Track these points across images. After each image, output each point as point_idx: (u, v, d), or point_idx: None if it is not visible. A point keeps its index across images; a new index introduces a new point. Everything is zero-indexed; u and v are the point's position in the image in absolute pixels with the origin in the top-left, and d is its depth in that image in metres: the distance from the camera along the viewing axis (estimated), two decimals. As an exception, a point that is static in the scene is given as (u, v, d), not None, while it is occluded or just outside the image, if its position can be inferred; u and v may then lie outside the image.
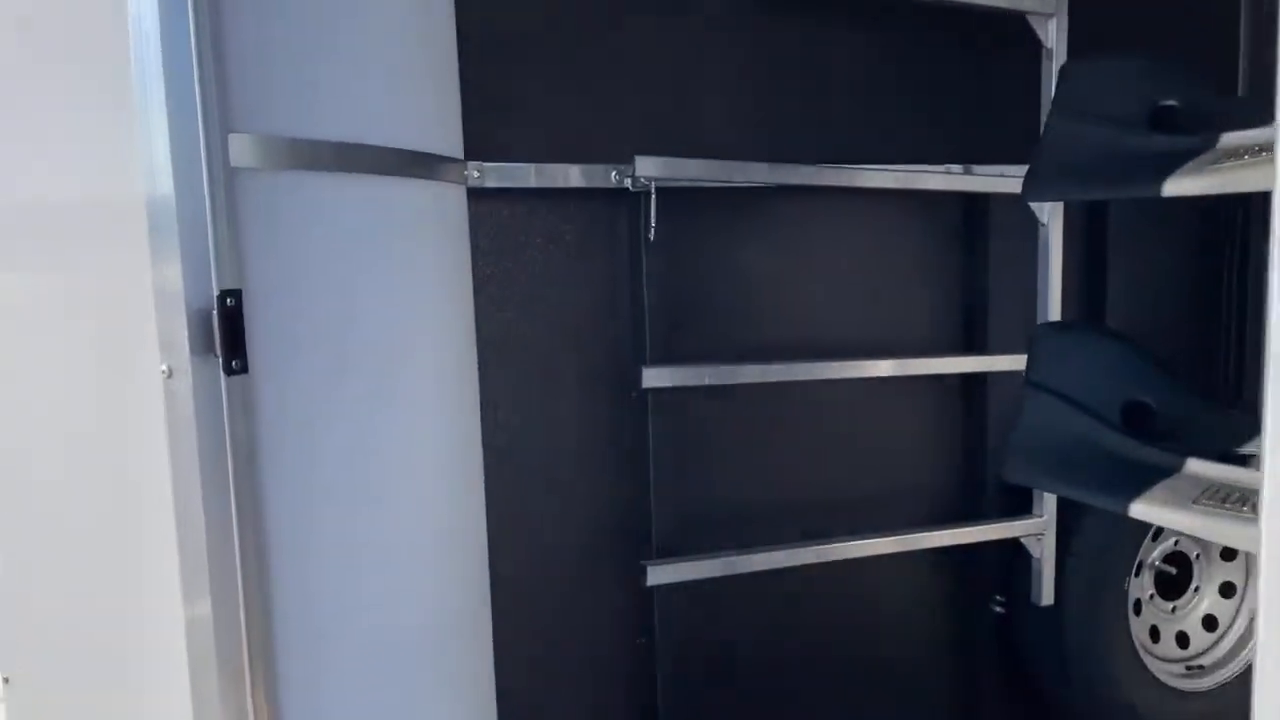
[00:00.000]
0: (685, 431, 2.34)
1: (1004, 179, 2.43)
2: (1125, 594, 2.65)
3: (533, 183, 2.07)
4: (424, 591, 1.82)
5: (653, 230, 2.09)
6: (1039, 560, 2.58)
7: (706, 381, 2.18)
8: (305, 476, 1.52)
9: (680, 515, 2.34)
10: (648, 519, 2.25)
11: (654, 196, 2.08)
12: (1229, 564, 2.85)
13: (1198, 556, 2.85)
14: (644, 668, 2.30)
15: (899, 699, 2.73)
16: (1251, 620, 2.84)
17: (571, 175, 2.10)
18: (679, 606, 2.31)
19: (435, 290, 1.86)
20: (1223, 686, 2.77)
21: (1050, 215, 2.46)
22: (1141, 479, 1.39)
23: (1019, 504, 2.74)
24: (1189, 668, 2.82)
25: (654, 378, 2.13)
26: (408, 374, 1.76)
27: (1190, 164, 1.39)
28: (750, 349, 2.41)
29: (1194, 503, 1.32)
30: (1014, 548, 2.70)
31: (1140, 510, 1.37)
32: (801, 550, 2.28)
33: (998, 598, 2.75)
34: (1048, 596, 2.58)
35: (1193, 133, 1.47)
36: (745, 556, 2.23)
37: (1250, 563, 2.84)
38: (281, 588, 1.48)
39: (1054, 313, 2.50)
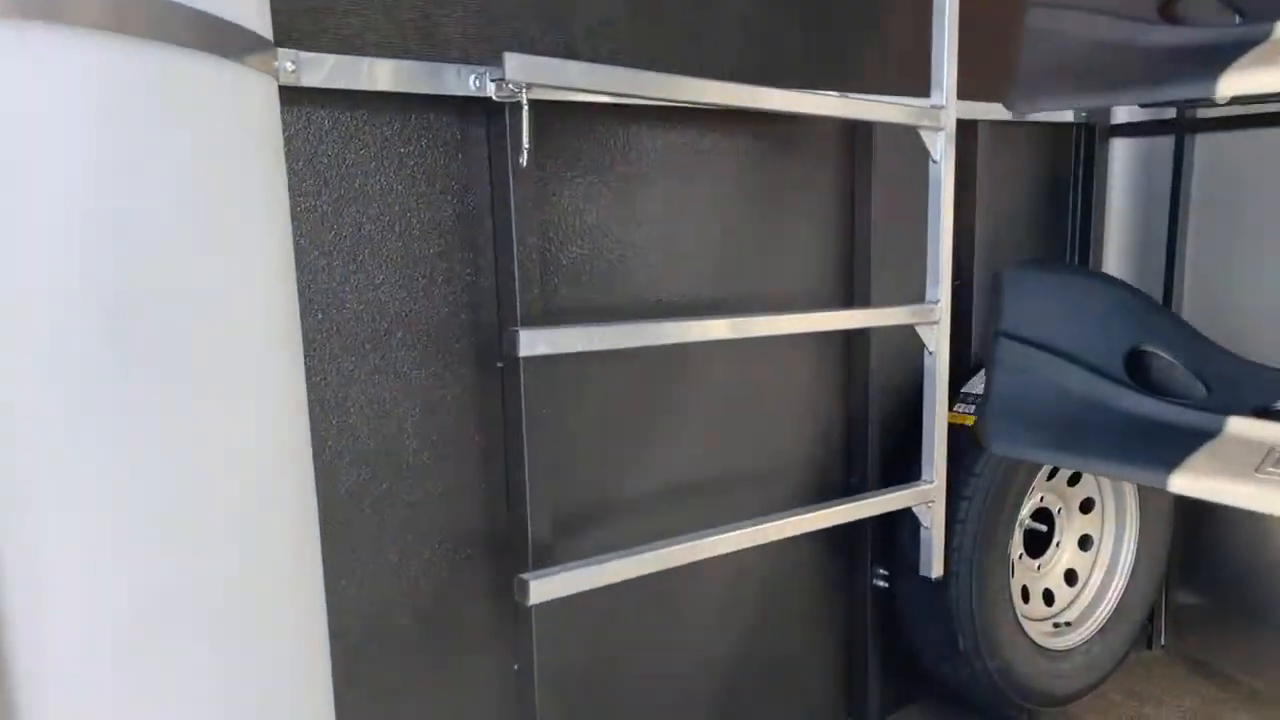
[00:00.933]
0: (565, 409, 1.91)
1: (918, 109, 2.18)
2: (1009, 558, 2.52)
3: (365, 84, 1.56)
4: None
5: (525, 153, 1.63)
6: (929, 530, 2.38)
7: (598, 346, 1.75)
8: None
9: (560, 513, 1.92)
10: (521, 520, 1.80)
11: (527, 109, 1.61)
12: (1086, 516, 2.81)
13: (1060, 511, 2.78)
14: (521, 698, 1.87)
15: (784, 690, 2.47)
16: (1106, 574, 2.82)
17: (418, 76, 1.60)
18: (560, 621, 1.89)
19: (237, 224, 1.31)
20: (1087, 643, 2.72)
21: (944, 152, 2.23)
22: (1174, 444, 1.16)
23: (902, 470, 2.54)
24: (1055, 625, 2.76)
25: (531, 343, 1.68)
26: (201, 339, 1.22)
27: (1251, 54, 1.15)
28: (634, 306, 2.01)
29: (1257, 472, 1.10)
30: (895, 517, 2.51)
31: (1186, 483, 1.14)
32: (698, 543, 1.92)
33: (880, 571, 2.54)
34: (937, 568, 2.40)
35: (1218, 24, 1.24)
36: (635, 558, 1.84)
37: (1105, 514, 2.82)
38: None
39: (945, 259, 2.28)
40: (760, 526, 2.04)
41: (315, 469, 1.54)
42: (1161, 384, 1.34)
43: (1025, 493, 2.52)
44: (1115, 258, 2.98)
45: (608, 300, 1.96)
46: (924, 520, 2.38)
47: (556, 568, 1.76)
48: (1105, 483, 2.78)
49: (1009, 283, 1.63)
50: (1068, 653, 2.68)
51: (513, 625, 1.86)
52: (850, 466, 2.49)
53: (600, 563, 1.79)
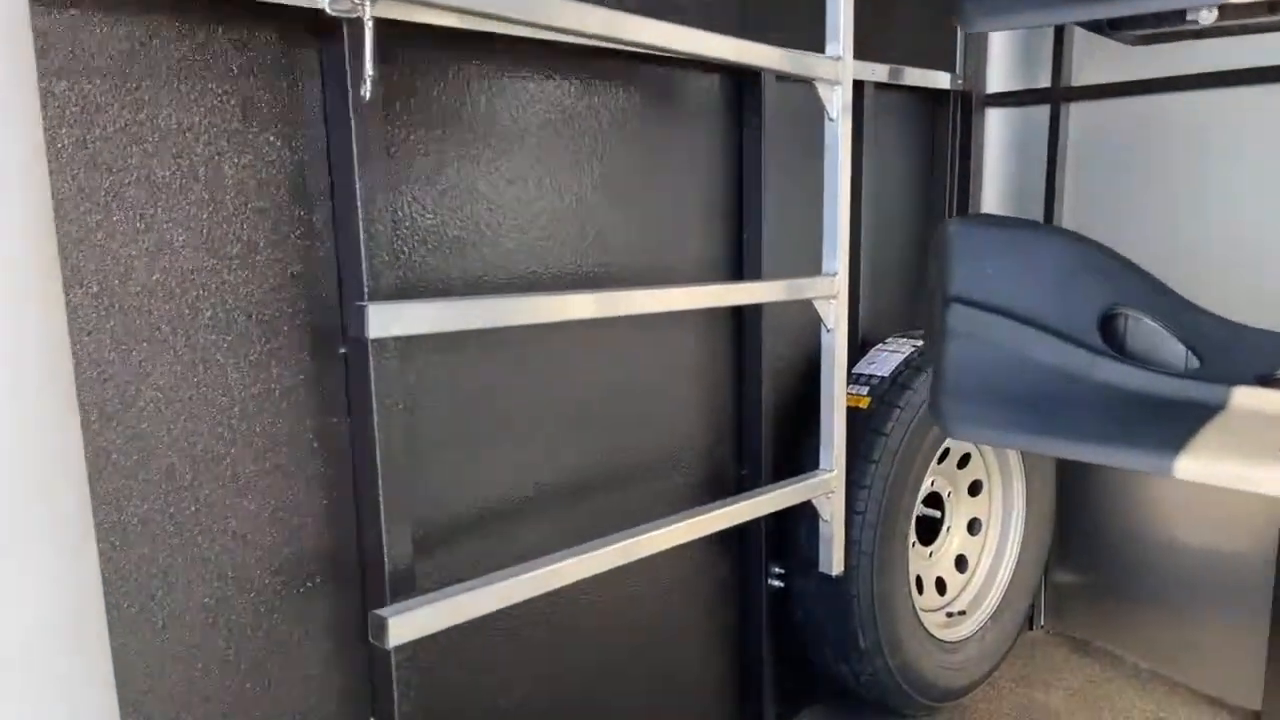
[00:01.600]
0: (424, 404, 1.58)
1: (814, 59, 1.96)
2: (908, 548, 2.36)
3: (154, -17, 1.18)
4: None
5: (368, 83, 1.28)
6: (829, 523, 2.18)
7: (462, 325, 1.43)
8: None
9: (423, 530, 1.59)
10: (374, 541, 1.47)
11: (370, 26, 1.27)
12: (975, 499, 2.71)
13: (949, 494, 2.66)
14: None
15: (675, 706, 2.22)
16: (995, 558, 2.72)
17: (225, -23, 1.24)
18: (425, 657, 1.57)
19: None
20: (981, 630, 2.61)
21: (841, 109, 2.02)
22: (1174, 422, 0.98)
23: (795, 459, 2.33)
24: (949, 614, 2.63)
25: (383, 321, 1.34)
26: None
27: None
28: (505, 279, 1.70)
29: (1280, 451, 0.94)
30: (790, 510, 2.30)
31: (1196, 468, 0.96)
32: (588, 557, 1.64)
33: (775, 570, 2.33)
34: (838, 564, 2.21)
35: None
36: (512, 581, 1.53)
37: (993, 496, 2.72)
38: None
39: (843, 227, 2.08)
40: (653, 534, 1.78)
41: (93, 493, 1.17)
42: (1143, 352, 1.18)
43: (923, 478, 2.37)
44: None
45: (474, 272, 1.64)
46: (823, 513, 2.18)
47: (420, 599, 1.44)
48: (993, 463, 2.69)
49: (957, 238, 1.42)
50: (962, 643, 2.56)
51: (368, 671, 1.52)
52: (742, 457, 2.26)
53: (472, 590, 1.47)
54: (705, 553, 2.25)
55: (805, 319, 2.41)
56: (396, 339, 1.42)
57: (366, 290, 1.38)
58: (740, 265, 2.19)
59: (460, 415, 1.65)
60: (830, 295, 2.10)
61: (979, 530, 2.72)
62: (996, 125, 2.88)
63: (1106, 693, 2.66)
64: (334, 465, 1.48)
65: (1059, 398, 1.16)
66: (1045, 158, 2.75)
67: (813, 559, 2.25)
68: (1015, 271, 1.25)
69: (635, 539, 1.73)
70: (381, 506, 1.45)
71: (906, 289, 2.81)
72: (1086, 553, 2.88)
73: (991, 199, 2.91)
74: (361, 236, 1.38)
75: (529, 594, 1.54)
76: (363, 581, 1.51)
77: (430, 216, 1.57)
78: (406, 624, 1.39)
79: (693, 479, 2.17)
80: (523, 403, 1.77)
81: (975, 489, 2.70)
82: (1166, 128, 2.53)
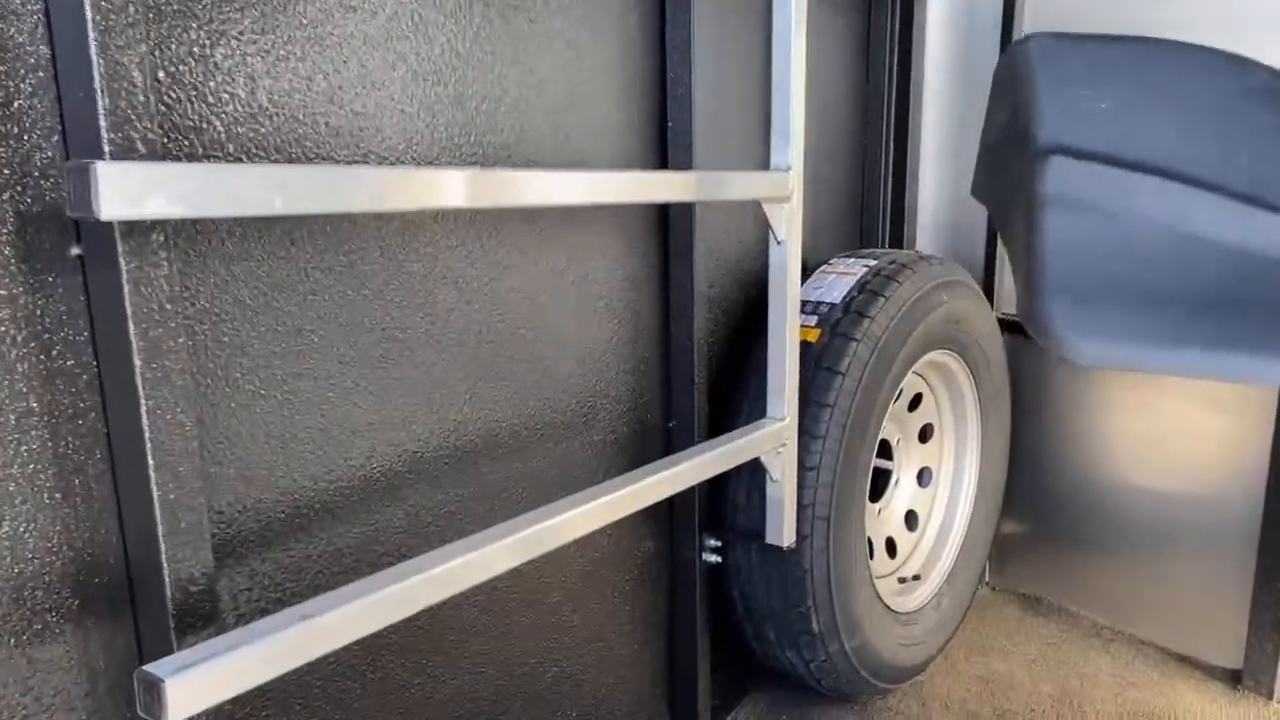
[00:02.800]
0: (218, 336, 1.05)
1: None
2: (863, 509, 1.97)
3: None
4: None
5: None
6: (779, 482, 1.76)
7: (278, 206, 0.89)
8: None
9: (227, 523, 1.06)
10: (146, 549, 0.94)
11: None
12: (925, 446, 2.34)
13: (899, 442, 2.29)
14: None
15: (599, 704, 1.78)
16: (947, 512, 2.37)
17: None
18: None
19: None
20: (937, 596, 2.26)
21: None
22: None
23: (732, 406, 1.89)
24: (901, 580, 2.27)
25: (128, 190, 0.80)
26: None
27: None
28: (342, 155, 1.17)
29: None
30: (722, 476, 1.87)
31: None
32: (472, 559, 1.15)
33: (711, 542, 1.89)
34: (789, 533, 1.79)
35: None
36: (365, 603, 1.03)
37: (945, 441, 2.36)
38: None
39: (797, 111, 1.63)
40: (567, 516, 1.30)
41: None
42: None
43: (880, 424, 1.97)
44: (933, 125, 2.50)
45: (302, 141, 1.10)
46: (773, 471, 1.75)
47: (222, 641, 0.92)
48: (946, 403, 2.32)
49: (1045, 63, 0.96)
50: (919, 612, 2.20)
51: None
52: (671, 407, 1.81)
53: (308, 621, 0.96)
54: (626, 526, 1.79)
55: (745, 235, 1.96)
56: (162, 230, 0.88)
57: (106, 141, 0.83)
58: (665, 158, 1.71)
59: (287, 355, 1.13)
60: (782, 197, 1.64)
61: (929, 481, 2.36)
62: (938, 6, 2.47)
63: (1067, 655, 2.36)
64: (73, 439, 0.94)
65: (1231, 291, 0.76)
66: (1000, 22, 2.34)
67: (756, 528, 1.83)
68: (1145, 106, 0.83)
69: (543, 525, 1.25)
70: (154, 496, 0.92)
71: (851, 201, 2.40)
72: (1035, 500, 2.58)
73: (938, 82, 2.50)
74: (95, 65, 0.83)
75: (395, 617, 1.04)
76: (133, 614, 0.98)
77: (227, 59, 1.02)
78: (198, 685, 0.87)
79: (610, 435, 1.70)
80: (378, 338, 1.25)
81: (925, 434, 2.34)
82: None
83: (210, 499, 1.03)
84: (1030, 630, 2.48)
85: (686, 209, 1.70)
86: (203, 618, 0.95)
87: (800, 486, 1.80)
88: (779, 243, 1.67)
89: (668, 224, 1.73)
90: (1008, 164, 0.99)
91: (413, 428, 1.31)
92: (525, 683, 1.60)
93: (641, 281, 1.71)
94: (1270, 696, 2.17)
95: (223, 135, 1.02)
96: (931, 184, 2.52)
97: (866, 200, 2.45)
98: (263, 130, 1.06)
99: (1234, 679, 2.23)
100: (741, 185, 1.61)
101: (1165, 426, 2.30)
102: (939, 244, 2.59)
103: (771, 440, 1.70)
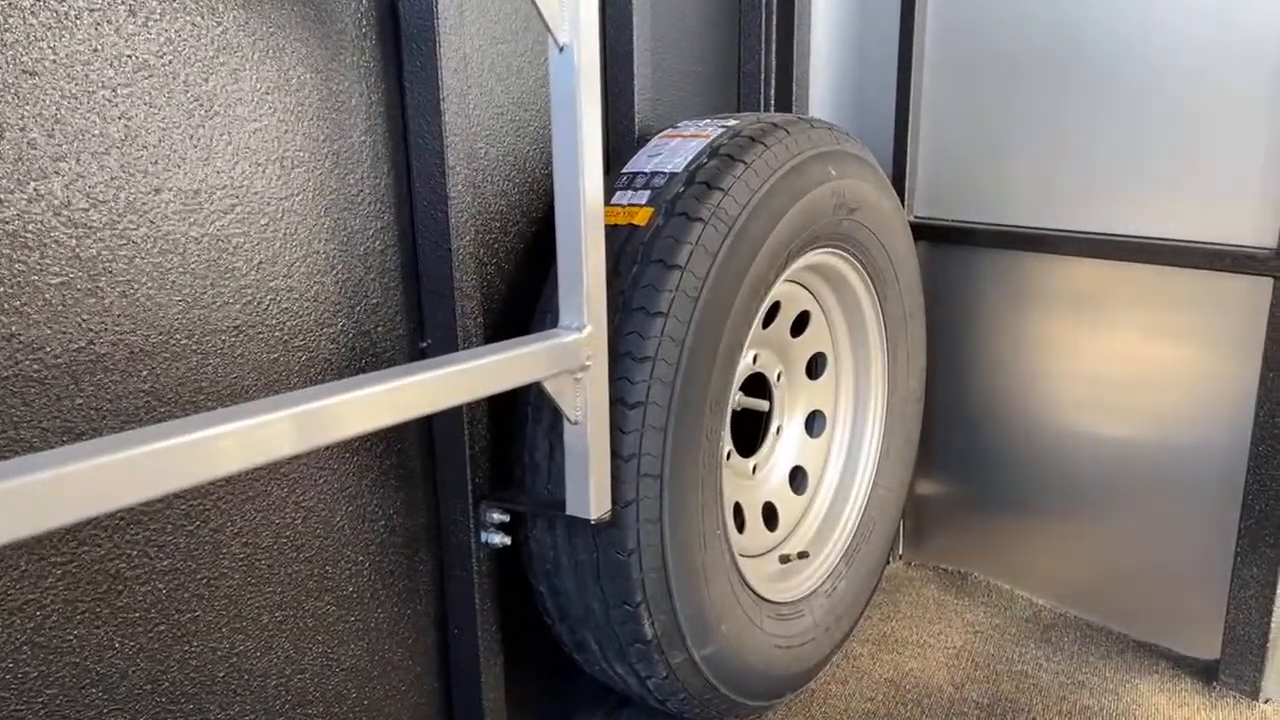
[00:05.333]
0: None
1: None
2: (720, 464, 1.41)
3: None
4: None
5: None
6: (580, 425, 1.18)
7: None
8: None
9: None
10: None
11: None
12: (816, 383, 1.80)
13: (779, 376, 1.74)
14: None
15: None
16: (845, 469, 1.83)
17: None
18: None
19: None
20: (830, 578, 1.73)
21: None
22: None
23: (515, 317, 1.32)
24: (783, 559, 1.72)
25: None
26: None
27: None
28: None
29: None
30: (518, 412, 1.31)
31: None
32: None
33: (494, 516, 1.32)
34: (599, 501, 1.22)
35: None
36: None
37: (842, 376, 1.82)
38: None
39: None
40: (238, 425, 0.71)
41: None
42: None
43: (743, 346, 1.41)
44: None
45: None
46: (568, 408, 1.17)
47: None
48: (840, 328, 1.78)
49: None
50: (805, 601, 1.66)
51: None
52: (422, 318, 1.22)
53: None
54: (371, 486, 1.21)
55: (524, 77, 1.39)
56: None
57: None
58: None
59: None
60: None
61: (821, 429, 1.82)
62: None
63: (999, 648, 1.85)
64: None
65: None
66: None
67: (556, 493, 1.26)
68: None
69: (200, 434, 0.67)
70: None
71: (725, 71, 1.84)
72: (959, 454, 2.06)
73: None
74: None
75: None
76: None
77: None
78: None
79: (323, 357, 1.11)
80: None
81: (816, 368, 1.79)
82: None
83: None
84: (952, 617, 1.97)
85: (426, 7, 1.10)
86: None
87: (620, 431, 1.24)
88: (560, 49, 1.09)
89: (400, 37, 1.14)
90: None
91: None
92: (250, 688, 1.01)
93: (379, 136, 1.12)
94: (1255, 696, 1.68)
95: None
96: (824, 47, 1.97)
97: (744, 68, 1.89)
98: None
99: (1208, 673, 1.74)
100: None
101: (1124, 364, 1.79)
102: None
103: (562, 359, 1.13)
